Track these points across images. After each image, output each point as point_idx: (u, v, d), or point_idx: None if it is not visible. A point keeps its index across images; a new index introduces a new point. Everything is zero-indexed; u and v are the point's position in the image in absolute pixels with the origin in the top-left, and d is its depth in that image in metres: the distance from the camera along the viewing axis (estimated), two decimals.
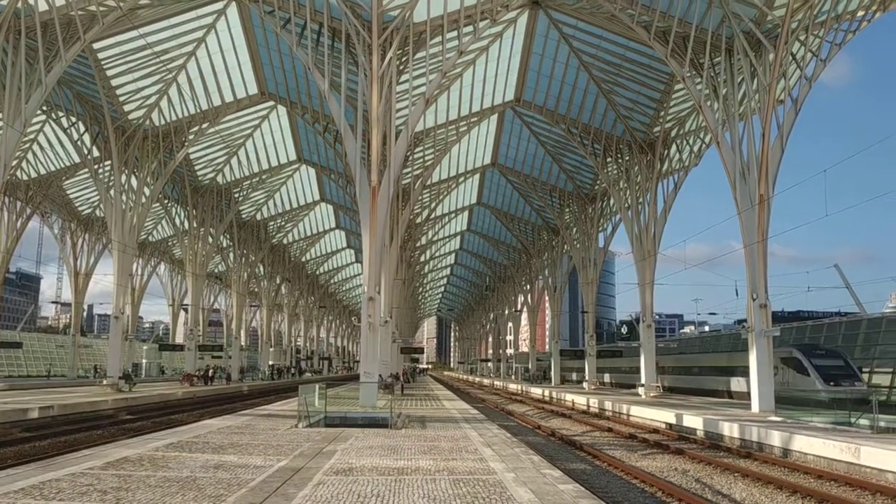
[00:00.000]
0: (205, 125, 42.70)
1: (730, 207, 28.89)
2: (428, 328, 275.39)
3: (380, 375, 28.83)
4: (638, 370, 41.64)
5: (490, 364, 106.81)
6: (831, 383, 31.53)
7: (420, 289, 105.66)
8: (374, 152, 26.74)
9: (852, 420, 20.73)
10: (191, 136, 42.85)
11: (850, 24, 29.01)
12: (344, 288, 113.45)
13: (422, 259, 79.81)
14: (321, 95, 30.83)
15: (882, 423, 19.90)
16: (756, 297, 27.24)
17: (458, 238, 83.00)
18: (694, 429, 24.16)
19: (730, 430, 21.65)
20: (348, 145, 27.65)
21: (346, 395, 31.06)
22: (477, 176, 59.44)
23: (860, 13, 28.67)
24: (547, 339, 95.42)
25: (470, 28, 30.27)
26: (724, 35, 30.16)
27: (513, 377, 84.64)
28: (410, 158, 45.06)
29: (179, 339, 62.78)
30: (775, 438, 19.01)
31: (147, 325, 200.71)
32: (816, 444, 17.21)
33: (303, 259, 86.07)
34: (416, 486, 9.99)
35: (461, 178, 56.19)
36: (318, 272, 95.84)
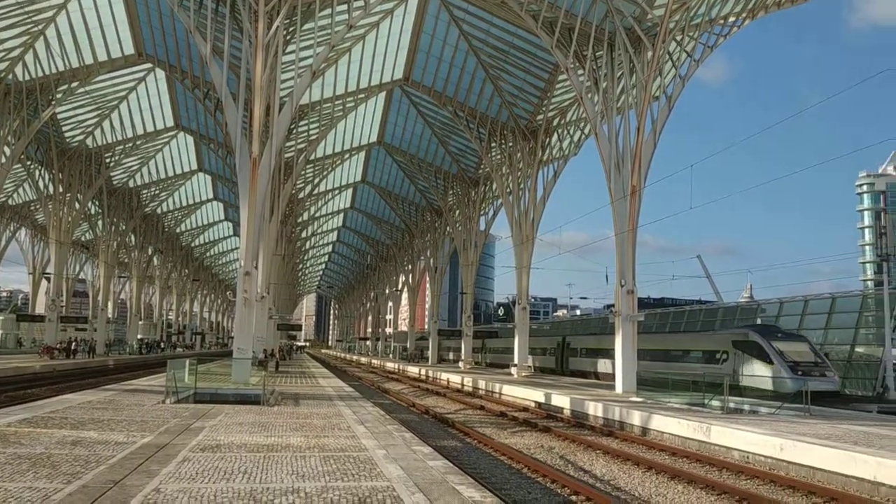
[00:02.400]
0: (74, 84, 40.23)
1: (605, 197, 30.00)
2: (307, 305, 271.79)
3: (254, 352, 28.24)
4: (512, 351, 42.78)
5: (369, 343, 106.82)
6: (799, 373, 26.44)
7: (300, 265, 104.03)
8: (256, 123, 26.02)
9: (706, 401, 22.13)
10: (59, 95, 40.28)
11: (721, 29, 30.74)
12: (220, 262, 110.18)
13: (303, 235, 78.65)
14: (203, 60, 29.63)
15: (732, 405, 21.38)
16: (624, 284, 28.51)
17: (342, 215, 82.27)
18: (561, 408, 25.13)
19: (594, 409, 22.66)
20: (229, 114, 26.79)
21: (219, 371, 30.28)
22: (362, 153, 59.01)
23: (731, 19, 30.41)
24: (426, 319, 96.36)
25: (361, 2, 29.88)
26: (607, 30, 31.16)
27: (391, 356, 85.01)
28: (294, 131, 44.17)
29: (40, 311, 59.03)
30: (635, 418, 20.07)
31: (4, 294, 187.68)
32: (672, 424, 18.30)
33: (177, 230, 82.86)
34: (285, 462, 9.91)
35: (346, 155, 55.64)
36: (193, 244, 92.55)
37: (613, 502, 11.09)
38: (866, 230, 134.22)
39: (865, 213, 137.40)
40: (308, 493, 7.94)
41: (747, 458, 15.17)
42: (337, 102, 44.19)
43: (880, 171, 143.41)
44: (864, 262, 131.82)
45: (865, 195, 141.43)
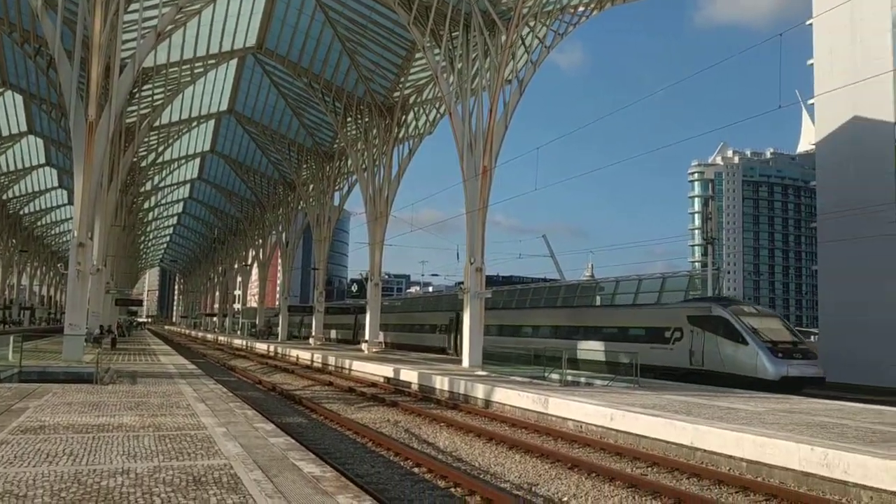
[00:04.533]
0: None
1: (458, 176, 30.44)
2: (150, 280, 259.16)
3: (88, 328, 26.65)
4: (364, 326, 42.85)
5: (216, 319, 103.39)
6: (780, 355, 22.49)
7: (143, 237, 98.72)
8: (93, 84, 24.34)
9: (546, 374, 23.19)
10: None
11: (572, 18, 31.88)
12: (53, 232, 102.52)
13: (146, 206, 74.67)
14: (33, 13, 27.18)
15: (569, 378, 22.53)
16: (473, 261, 29.19)
17: (188, 186, 78.67)
18: (409, 382, 25.50)
19: (441, 383, 23.16)
20: (63, 73, 24.84)
21: (48, 348, 28.40)
22: (212, 122, 56.59)
23: (581, 8, 31.60)
24: (277, 295, 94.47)
25: None
26: (463, 11, 31.48)
27: (239, 333, 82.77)
28: (137, 96, 41.68)
29: None
30: (479, 391, 20.71)
31: None
32: (513, 396, 19.05)
33: (4, 197, 76.23)
34: (117, 443, 9.47)
35: (194, 123, 53.22)
36: (22, 212, 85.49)
37: (452, 471, 11.40)
38: (695, 215, 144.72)
39: (695, 199, 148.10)
40: (139, 474, 7.63)
41: (581, 427, 16.06)
42: (184, 67, 42.08)
43: (710, 160, 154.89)
44: (692, 245, 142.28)
45: (696, 183, 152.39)
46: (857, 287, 41.83)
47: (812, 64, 50.81)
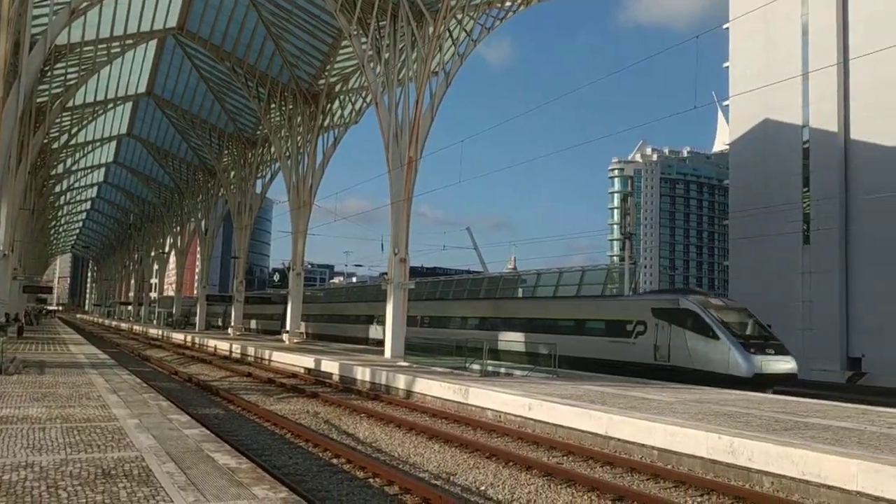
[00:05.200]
0: None
1: (384, 166, 30.25)
2: (61, 267, 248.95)
3: None
4: (285, 317, 42.29)
5: (131, 308, 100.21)
6: (752, 350, 21.46)
7: (53, 222, 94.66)
8: (0, 60, 23.13)
9: (467, 364, 23.42)
10: None
11: (498, 12, 32.13)
12: None
13: (57, 189, 71.62)
14: None
15: (490, 368, 22.82)
16: (397, 252, 29.17)
17: (103, 170, 75.73)
18: (331, 373, 25.34)
19: (362, 374, 23.10)
20: None
21: None
22: (129, 104, 54.71)
23: (508, 3, 31.87)
24: (195, 284, 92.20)
25: None
26: (391, 0, 31.33)
27: (155, 322, 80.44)
28: (49, 74, 39.84)
29: None
30: (401, 382, 20.76)
31: None
32: (434, 387, 19.17)
33: None
34: (21, 435, 9.11)
35: (110, 105, 51.22)
36: None
37: (370, 462, 11.40)
38: (615, 211, 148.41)
39: (615, 195, 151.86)
40: (44, 467, 7.36)
41: (500, 417, 16.29)
42: (101, 46, 40.40)
43: (630, 158, 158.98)
44: (611, 240, 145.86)
45: (616, 179, 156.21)
46: (764, 282, 43.65)
47: (728, 66, 52.65)
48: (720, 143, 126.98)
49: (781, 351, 22.34)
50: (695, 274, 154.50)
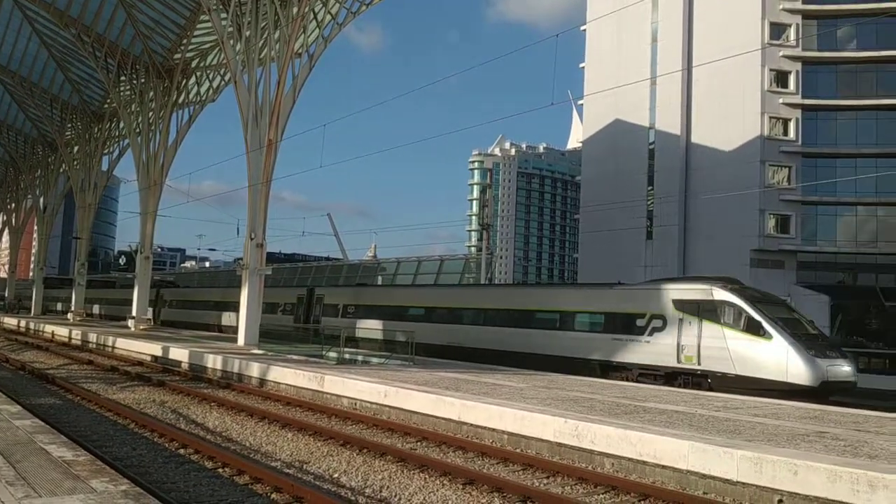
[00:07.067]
0: None
1: (242, 147, 29.31)
2: None
3: None
4: (131, 302, 40.20)
5: None
6: (813, 352, 17.89)
7: None
8: None
9: (323, 353, 23.22)
10: None
11: None
12: None
13: None
14: None
15: (347, 356, 22.74)
16: (254, 237, 28.40)
17: None
18: (179, 361, 24.36)
19: (213, 362, 22.38)
20: None
21: None
22: None
23: None
24: (31, 265, 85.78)
25: None
26: None
27: None
28: None
29: None
30: (254, 370, 20.29)
31: None
32: (289, 374, 18.88)
33: None
34: None
35: None
36: None
37: (220, 452, 11.10)
38: (474, 202, 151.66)
39: (474, 187, 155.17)
40: None
41: (356, 404, 16.28)
42: None
43: (489, 151, 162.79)
44: (470, 230, 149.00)
45: (476, 171, 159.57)
46: (609, 274, 45.96)
47: (583, 67, 54.97)
48: (574, 141, 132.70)
49: (840, 353, 19.02)
50: (547, 265, 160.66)
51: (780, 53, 47.54)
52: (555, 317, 23.87)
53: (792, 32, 48.04)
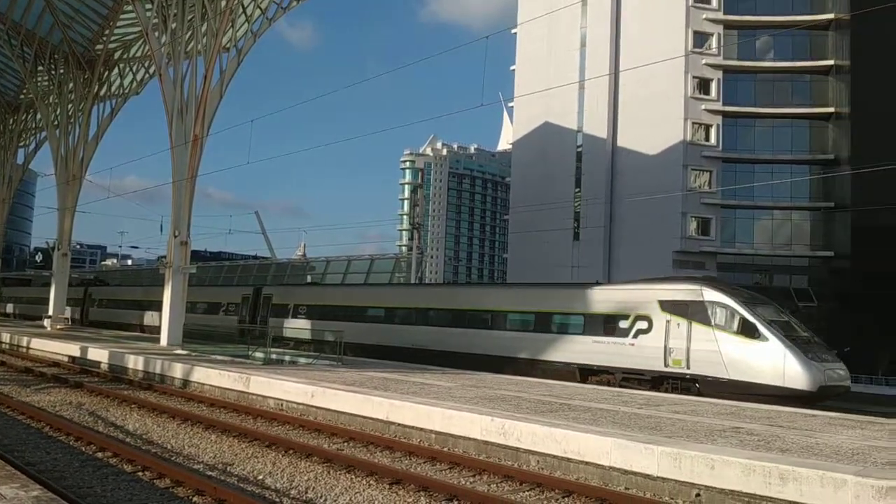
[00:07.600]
0: None
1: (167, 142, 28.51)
2: None
3: None
4: (48, 300, 38.70)
5: None
6: (810, 356, 17.34)
7: None
8: None
9: (249, 353, 22.84)
10: None
11: None
12: None
13: None
14: None
15: (273, 356, 22.42)
16: (178, 234, 27.71)
17: None
18: (99, 362, 23.60)
19: (135, 362, 21.77)
20: None
21: None
22: None
23: None
24: None
25: None
26: None
27: None
28: None
29: None
30: (177, 370, 19.81)
31: None
32: (213, 375, 18.50)
33: None
34: None
35: None
36: None
37: (139, 455, 10.81)
38: (405, 201, 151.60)
39: (406, 186, 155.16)
40: None
41: (282, 405, 16.08)
42: None
43: (421, 150, 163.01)
44: (401, 230, 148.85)
45: (407, 170, 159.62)
46: (537, 274, 46.64)
47: (514, 69, 55.58)
48: (504, 143, 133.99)
49: (833, 356, 18.39)
50: (477, 265, 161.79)
51: (703, 61, 49.14)
52: (529, 318, 22.64)
53: (714, 41, 49.70)
